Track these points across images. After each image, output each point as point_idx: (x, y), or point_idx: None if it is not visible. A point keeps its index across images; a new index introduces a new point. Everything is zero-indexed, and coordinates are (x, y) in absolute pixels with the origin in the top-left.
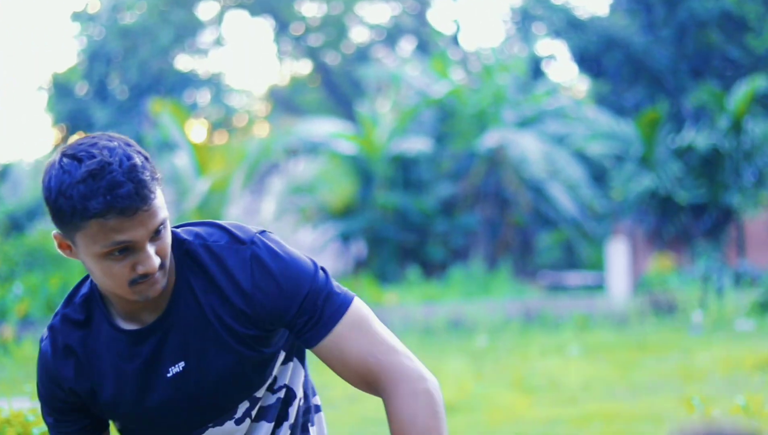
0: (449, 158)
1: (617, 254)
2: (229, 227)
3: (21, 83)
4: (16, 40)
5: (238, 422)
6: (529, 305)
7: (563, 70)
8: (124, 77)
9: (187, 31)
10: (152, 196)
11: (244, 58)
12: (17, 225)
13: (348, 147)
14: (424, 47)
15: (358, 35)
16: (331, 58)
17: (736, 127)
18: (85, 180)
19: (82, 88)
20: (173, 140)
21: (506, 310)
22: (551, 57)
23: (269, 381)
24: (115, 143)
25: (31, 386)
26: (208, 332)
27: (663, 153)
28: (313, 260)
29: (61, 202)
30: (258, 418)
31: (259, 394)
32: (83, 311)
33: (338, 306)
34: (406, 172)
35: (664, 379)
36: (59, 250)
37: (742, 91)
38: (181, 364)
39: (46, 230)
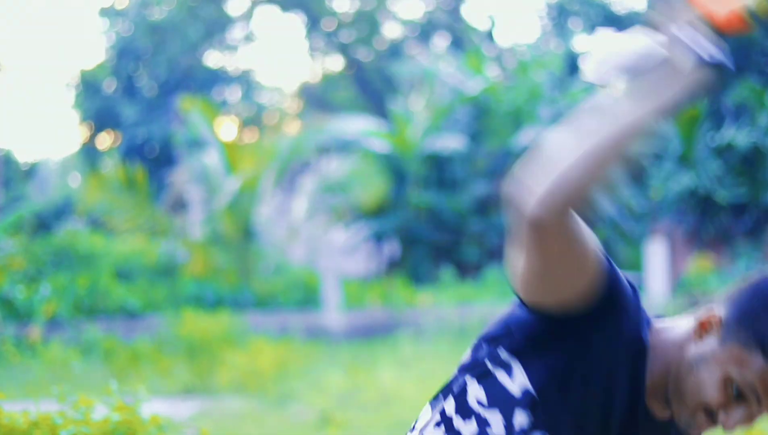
0: (484, 156)
1: (656, 254)
2: None
3: (48, 80)
4: (44, 37)
5: None
6: None
7: None
8: (153, 74)
9: (216, 27)
10: None
11: (274, 55)
12: (44, 224)
13: (381, 145)
14: (458, 43)
15: (391, 31)
16: (364, 55)
17: None
18: None
19: (110, 85)
20: (203, 138)
21: None
22: (588, 53)
23: None
24: None
25: (59, 388)
26: None
27: (702, 151)
28: None
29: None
30: None
31: None
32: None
33: None
34: (440, 171)
35: None
36: (701, 326)
37: None
38: None
39: (73, 230)
